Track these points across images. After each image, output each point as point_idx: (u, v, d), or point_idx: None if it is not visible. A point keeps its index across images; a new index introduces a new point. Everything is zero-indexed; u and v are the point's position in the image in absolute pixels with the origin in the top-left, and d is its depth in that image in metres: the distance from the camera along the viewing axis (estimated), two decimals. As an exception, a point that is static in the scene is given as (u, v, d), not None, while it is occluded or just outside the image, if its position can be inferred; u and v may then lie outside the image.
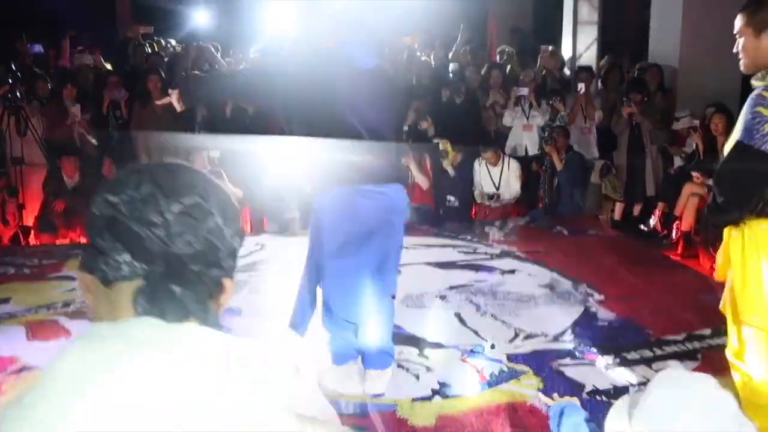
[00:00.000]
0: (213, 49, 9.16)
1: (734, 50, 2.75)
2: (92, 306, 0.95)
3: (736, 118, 2.68)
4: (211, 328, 0.89)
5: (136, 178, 0.93)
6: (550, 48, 9.08)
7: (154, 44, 10.60)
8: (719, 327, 3.55)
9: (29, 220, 7.06)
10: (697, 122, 6.78)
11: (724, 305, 2.86)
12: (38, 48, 9.53)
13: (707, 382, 1.38)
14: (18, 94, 7.02)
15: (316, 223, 3.45)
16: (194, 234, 0.92)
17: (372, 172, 3.25)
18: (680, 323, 4.52)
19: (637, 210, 7.39)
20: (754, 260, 2.65)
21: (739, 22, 2.72)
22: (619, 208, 7.44)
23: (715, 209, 2.71)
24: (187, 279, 0.91)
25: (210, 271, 0.95)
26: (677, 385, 1.38)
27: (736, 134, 2.62)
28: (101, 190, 0.94)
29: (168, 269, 0.90)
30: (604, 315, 4.73)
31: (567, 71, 8.95)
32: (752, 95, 2.58)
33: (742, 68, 2.73)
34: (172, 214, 0.91)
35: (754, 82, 2.63)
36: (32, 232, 7.04)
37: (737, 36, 2.73)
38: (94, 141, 7.58)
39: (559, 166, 7.38)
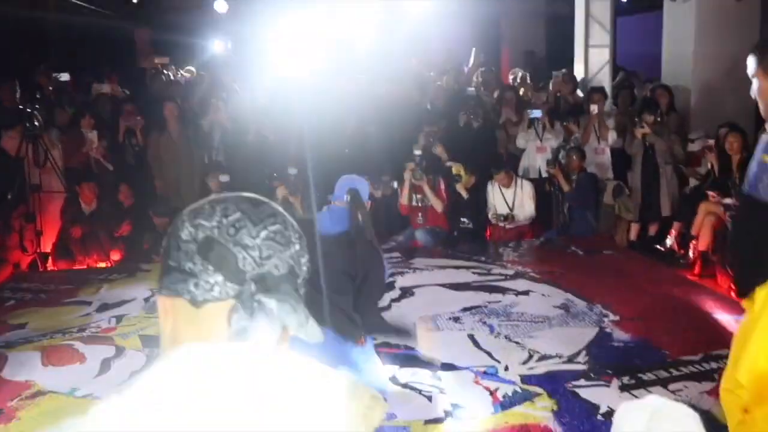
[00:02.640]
0: (227, 77, 9.27)
1: (751, 94, 2.51)
2: (170, 329, 0.98)
3: (750, 137, 2.47)
4: (312, 335, 0.94)
5: (223, 206, 0.98)
6: (564, 71, 9.09)
7: (170, 73, 10.77)
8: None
9: (47, 247, 7.13)
10: (711, 142, 6.75)
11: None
12: (65, 77, 9.65)
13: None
14: (36, 122, 7.09)
15: None
16: (280, 258, 0.97)
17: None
18: (697, 343, 4.46)
19: (653, 230, 7.33)
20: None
21: (751, 64, 2.47)
22: (634, 228, 7.39)
23: (738, 277, 2.42)
24: (278, 294, 0.95)
25: (292, 294, 0.98)
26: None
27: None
28: (186, 218, 0.99)
29: (258, 288, 0.94)
30: (620, 335, 4.69)
31: (579, 93, 8.95)
32: (764, 140, 2.37)
33: (762, 113, 2.49)
34: (260, 239, 0.96)
35: None
36: (49, 258, 7.12)
37: (752, 77, 2.48)
38: (110, 167, 7.68)
39: (566, 187, 7.34)
